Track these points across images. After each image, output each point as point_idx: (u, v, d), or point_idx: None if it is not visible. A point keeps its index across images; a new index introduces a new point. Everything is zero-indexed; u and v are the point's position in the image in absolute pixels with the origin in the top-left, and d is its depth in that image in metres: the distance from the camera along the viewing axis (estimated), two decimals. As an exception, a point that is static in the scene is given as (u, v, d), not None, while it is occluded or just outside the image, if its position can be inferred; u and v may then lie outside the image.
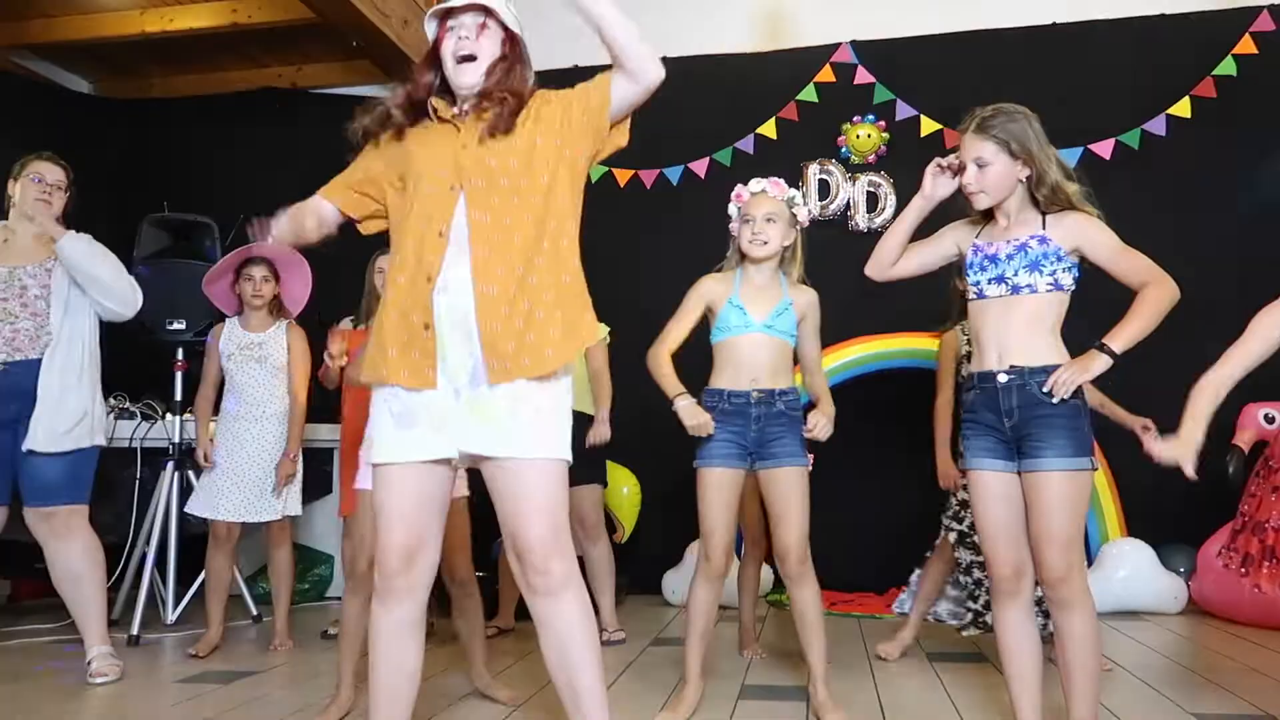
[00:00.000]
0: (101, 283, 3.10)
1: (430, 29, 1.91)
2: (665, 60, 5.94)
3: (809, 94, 5.18)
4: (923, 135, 5.00)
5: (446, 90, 1.91)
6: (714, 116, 5.24)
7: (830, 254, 4.99)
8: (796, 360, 2.81)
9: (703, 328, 2.77)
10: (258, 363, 3.61)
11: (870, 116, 5.09)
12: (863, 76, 5.13)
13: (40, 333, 3.08)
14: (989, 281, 2.17)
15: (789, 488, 2.62)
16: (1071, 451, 2.08)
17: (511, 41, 1.89)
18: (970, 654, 3.46)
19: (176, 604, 4.09)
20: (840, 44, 5.18)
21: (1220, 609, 4.04)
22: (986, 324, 2.18)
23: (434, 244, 1.76)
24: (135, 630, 3.72)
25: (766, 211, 2.66)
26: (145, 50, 5.57)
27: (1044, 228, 2.16)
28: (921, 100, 5.05)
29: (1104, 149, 4.85)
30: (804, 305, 2.72)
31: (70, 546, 3.07)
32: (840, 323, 4.66)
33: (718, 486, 2.63)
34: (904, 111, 5.06)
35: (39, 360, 3.05)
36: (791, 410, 2.66)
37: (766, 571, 4.71)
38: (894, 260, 2.36)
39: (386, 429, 1.80)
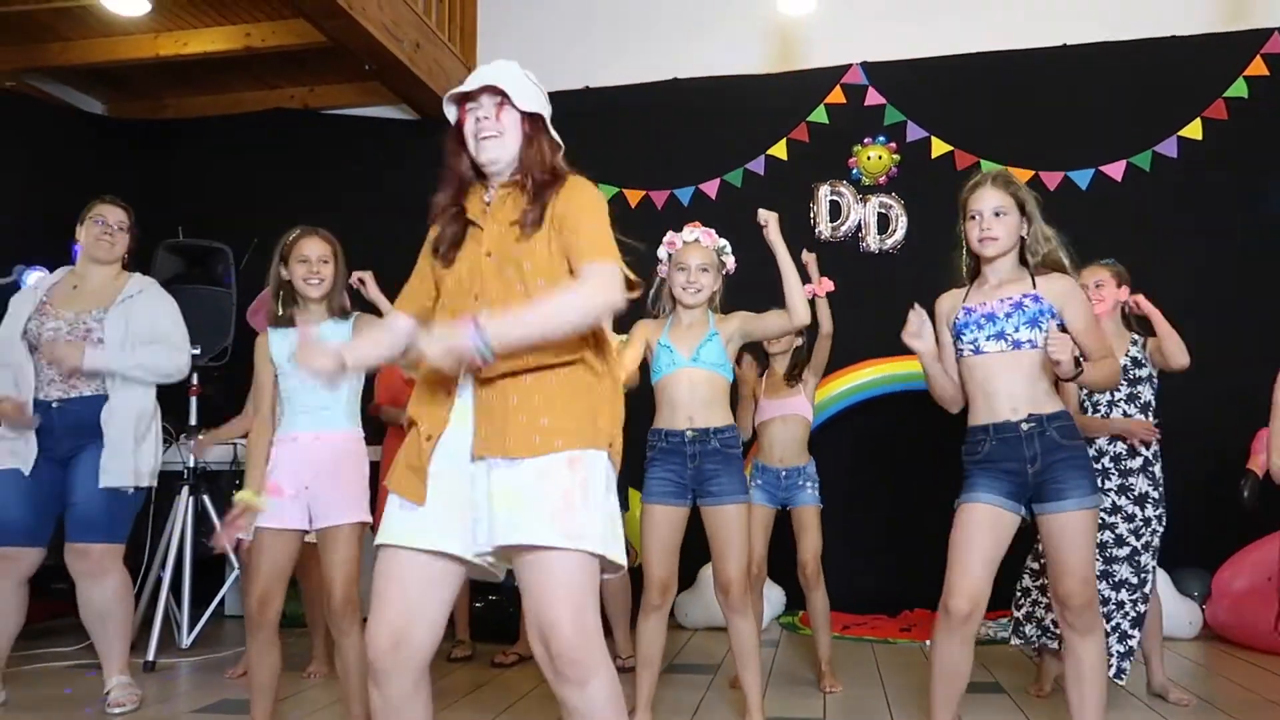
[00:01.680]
0: (144, 370, 3.17)
1: (450, 112, 1.87)
2: (676, 81, 5.96)
3: (819, 115, 5.19)
4: (934, 157, 5.01)
5: (478, 173, 1.85)
6: (725, 138, 5.26)
7: (841, 276, 4.98)
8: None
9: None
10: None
11: (881, 138, 5.10)
12: (873, 98, 5.14)
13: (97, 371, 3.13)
14: (988, 338, 2.28)
15: (729, 524, 2.74)
16: (1089, 490, 2.23)
17: (531, 119, 1.82)
18: (988, 684, 3.45)
19: (191, 628, 4.11)
20: (851, 65, 5.19)
21: (1237, 635, 4.02)
22: (992, 378, 2.27)
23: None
24: (151, 656, 3.73)
25: (700, 261, 2.81)
26: (159, 73, 5.62)
27: (1034, 287, 2.30)
28: (932, 122, 5.06)
29: (1115, 170, 4.85)
30: (727, 330, 2.84)
31: (102, 585, 3.09)
32: (852, 345, 4.67)
33: (656, 522, 2.76)
34: (915, 133, 5.07)
35: (93, 397, 3.11)
36: (727, 448, 2.77)
37: (779, 592, 4.74)
38: (957, 393, 2.40)
39: (395, 507, 1.75)
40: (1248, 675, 3.56)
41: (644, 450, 3.89)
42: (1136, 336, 3.23)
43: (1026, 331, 2.25)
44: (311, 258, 2.63)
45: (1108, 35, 4.93)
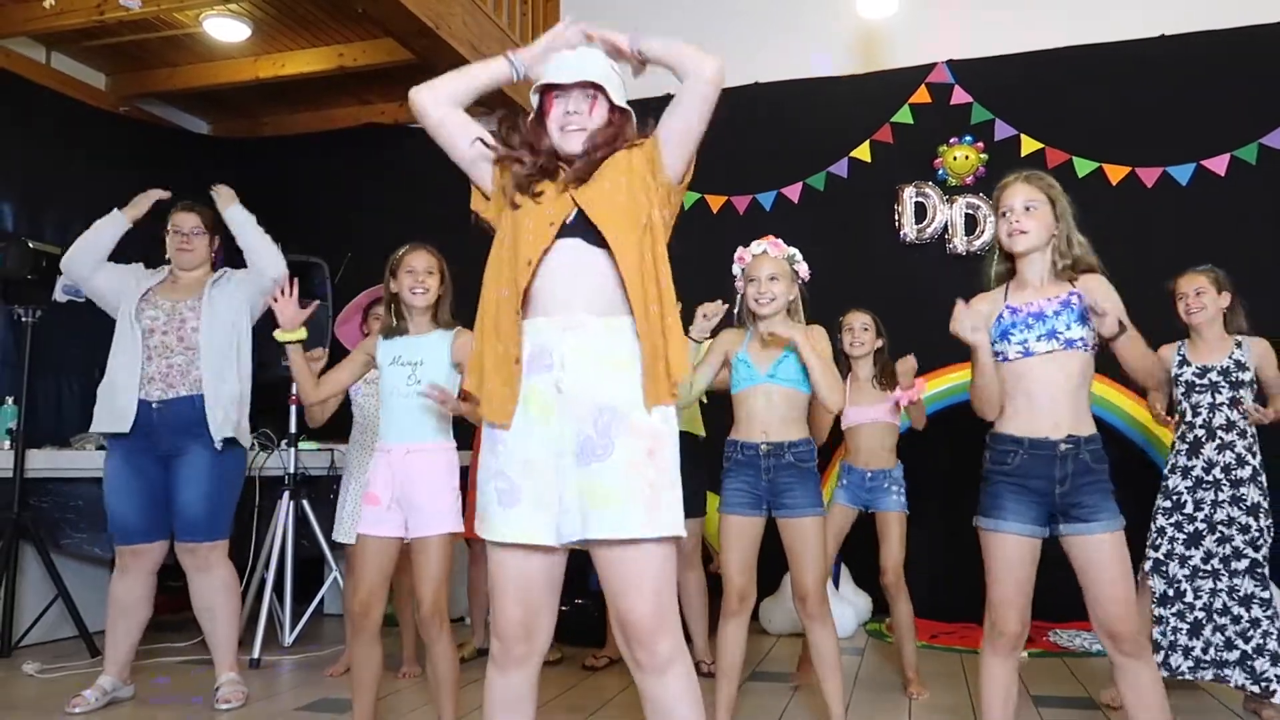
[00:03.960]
0: (259, 246, 3.40)
1: (535, 97, 1.91)
2: (756, 85, 5.94)
3: (904, 116, 5.12)
4: (1023, 155, 4.88)
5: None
6: (807, 141, 5.23)
7: (927, 277, 4.96)
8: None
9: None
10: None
11: (968, 137, 5.00)
12: (959, 96, 5.05)
13: (191, 368, 3.28)
14: (1038, 338, 2.21)
15: (804, 537, 2.75)
16: (1116, 513, 2.19)
17: (620, 112, 1.87)
18: (1078, 698, 3.36)
19: (293, 626, 4.29)
20: (936, 64, 5.10)
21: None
22: (1038, 385, 2.19)
23: (524, 272, 1.77)
24: (256, 653, 3.91)
25: (769, 271, 2.80)
26: (258, 93, 5.87)
27: (1075, 285, 2.25)
28: (1022, 119, 4.94)
29: (1218, 165, 4.66)
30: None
31: (210, 579, 3.28)
32: (941, 348, 4.56)
33: (734, 532, 2.79)
34: (1003, 131, 4.95)
35: (189, 397, 3.25)
36: (801, 462, 2.77)
37: (865, 599, 4.70)
38: (998, 398, 2.27)
39: (491, 505, 1.78)
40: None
41: (712, 459, 3.92)
42: (1240, 338, 3.17)
43: (1078, 329, 2.18)
44: (418, 269, 2.73)
45: (1209, 24, 4.73)
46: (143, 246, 3.53)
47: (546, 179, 1.86)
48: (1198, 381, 3.16)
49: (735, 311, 2.95)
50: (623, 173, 1.82)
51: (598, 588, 4.32)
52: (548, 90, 1.89)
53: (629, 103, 1.92)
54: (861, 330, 3.55)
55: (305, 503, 4.27)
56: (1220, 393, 3.13)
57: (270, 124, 6.33)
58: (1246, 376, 3.12)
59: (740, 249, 2.91)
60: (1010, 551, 2.21)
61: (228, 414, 3.29)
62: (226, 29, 5.08)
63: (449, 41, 4.60)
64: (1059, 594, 3.23)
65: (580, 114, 1.83)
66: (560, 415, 1.73)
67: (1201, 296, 3.17)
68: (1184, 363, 3.21)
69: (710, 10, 5.51)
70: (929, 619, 4.70)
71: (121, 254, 3.47)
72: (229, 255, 3.52)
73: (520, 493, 1.73)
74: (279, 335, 2.78)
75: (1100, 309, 2.14)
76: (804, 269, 2.90)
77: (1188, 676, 3.09)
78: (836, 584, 4.63)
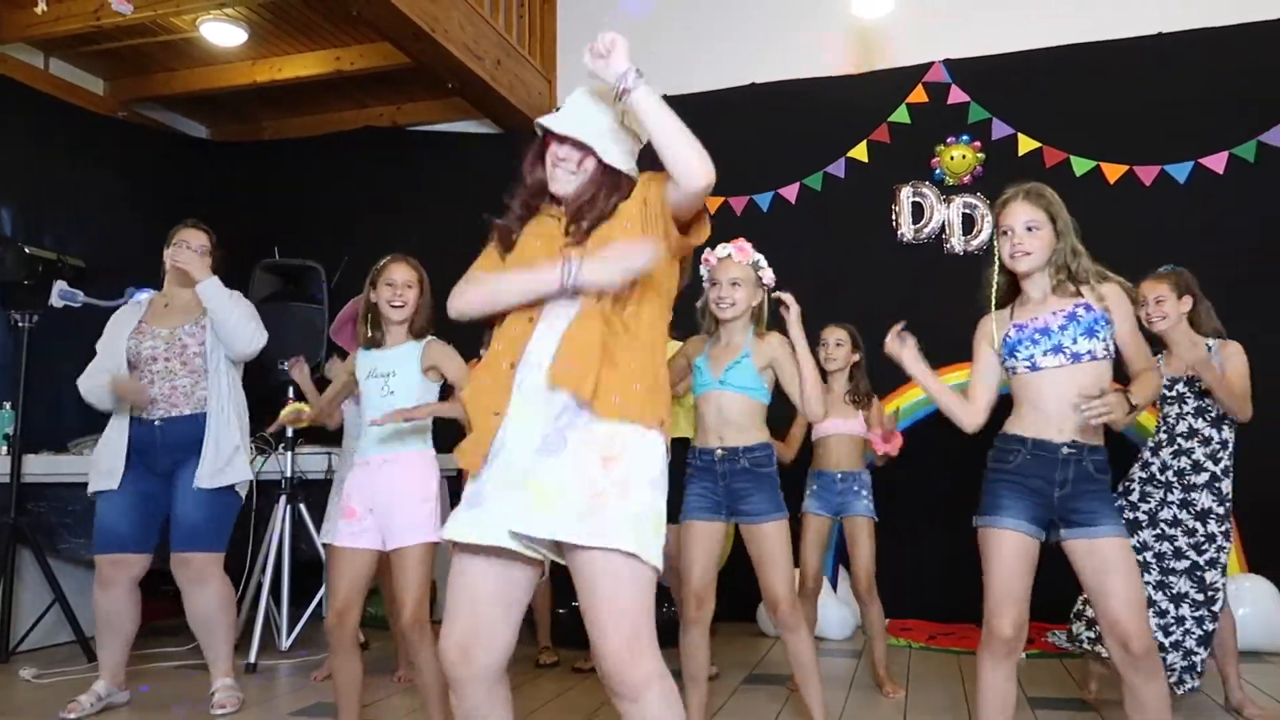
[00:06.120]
0: (228, 325, 3.28)
1: (539, 129, 1.89)
2: (753, 86, 5.91)
3: (901, 115, 5.11)
4: (1021, 154, 4.88)
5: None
6: (804, 141, 5.22)
7: (924, 278, 4.94)
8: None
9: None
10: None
11: (965, 136, 4.99)
12: (957, 96, 5.03)
13: (195, 389, 3.28)
14: (1044, 353, 2.21)
15: (767, 543, 2.72)
16: (1119, 520, 2.19)
17: (611, 173, 1.81)
18: (1073, 700, 3.35)
19: (290, 630, 4.29)
20: (933, 63, 5.09)
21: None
22: (1046, 395, 2.21)
23: (523, 330, 1.78)
24: (253, 658, 3.91)
25: (732, 276, 2.77)
26: (256, 97, 5.88)
27: (1081, 296, 2.23)
28: (1019, 118, 4.92)
29: (1216, 163, 4.64)
30: (765, 355, 2.77)
31: (205, 591, 3.26)
32: (936, 349, 4.53)
33: (694, 536, 2.76)
34: (1000, 130, 4.94)
35: (192, 415, 3.25)
36: (758, 466, 2.74)
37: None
38: (977, 416, 2.35)
39: (459, 508, 1.76)
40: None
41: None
42: (1211, 342, 3.11)
43: (1085, 342, 2.18)
44: (397, 282, 2.73)
45: (1207, 21, 4.71)
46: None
47: (531, 217, 1.88)
48: (1167, 393, 3.17)
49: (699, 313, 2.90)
50: (622, 226, 1.78)
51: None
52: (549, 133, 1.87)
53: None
54: (835, 346, 3.55)
55: (302, 506, 4.27)
56: (1186, 403, 3.13)
57: (268, 128, 6.34)
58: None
59: (708, 251, 2.86)
60: (1007, 548, 2.18)
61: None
62: (223, 33, 5.08)
63: (445, 45, 4.60)
64: (1057, 595, 3.23)
65: (568, 162, 1.82)
66: (530, 410, 1.73)
67: (1162, 305, 3.13)
68: None
69: (705, 11, 5.50)
70: (927, 620, 4.70)
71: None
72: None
73: (484, 494, 1.72)
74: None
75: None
76: (768, 276, 2.84)
77: (1105, 654, 3.05)
78: (834, 586, 4.63)
